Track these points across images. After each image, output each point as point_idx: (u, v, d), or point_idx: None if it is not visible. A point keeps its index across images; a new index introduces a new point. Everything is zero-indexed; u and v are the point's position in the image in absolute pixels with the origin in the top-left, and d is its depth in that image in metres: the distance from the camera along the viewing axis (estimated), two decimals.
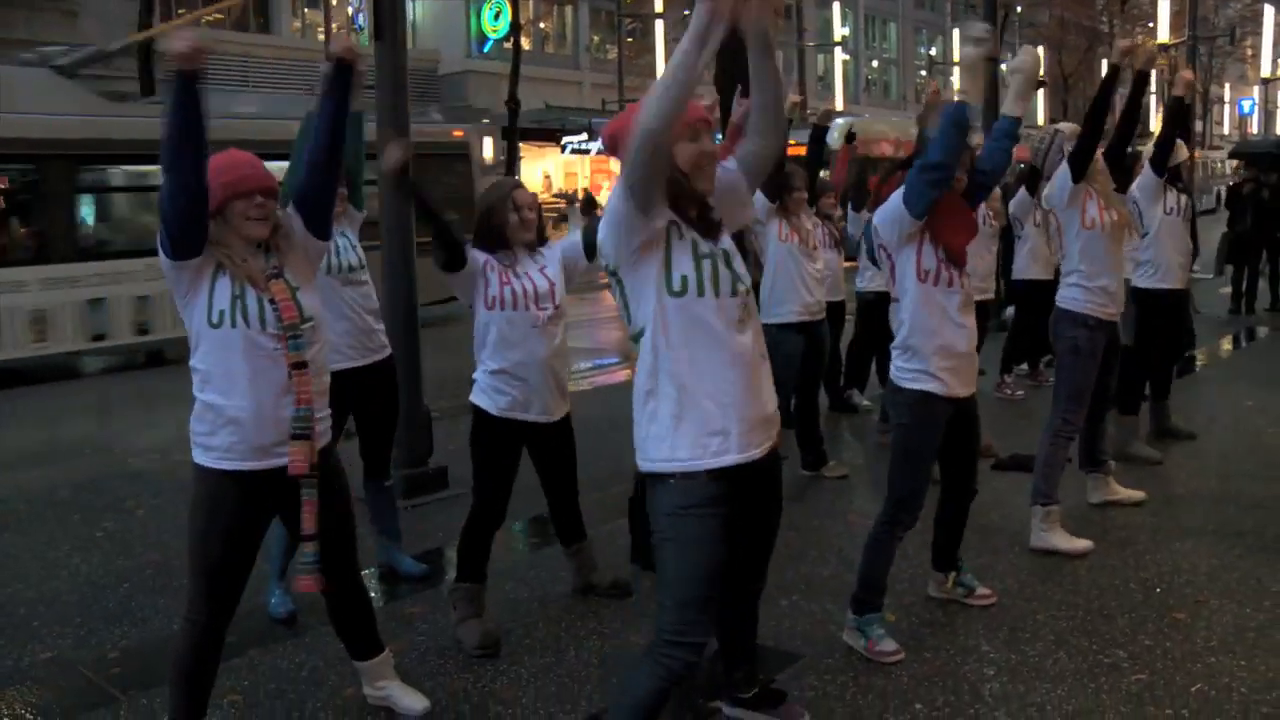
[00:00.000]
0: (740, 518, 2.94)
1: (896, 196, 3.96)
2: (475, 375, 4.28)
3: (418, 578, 5.04)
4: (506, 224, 4.17)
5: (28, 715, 3.84)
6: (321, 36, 24.14)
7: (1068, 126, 5.45)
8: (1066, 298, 5.26)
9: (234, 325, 3.13)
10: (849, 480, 6.52)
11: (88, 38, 23.15)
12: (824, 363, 6.83)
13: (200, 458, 3.23)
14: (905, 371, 4.03)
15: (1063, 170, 5.17)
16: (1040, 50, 45.12)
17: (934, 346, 3.98)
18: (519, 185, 4.30)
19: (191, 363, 3.22)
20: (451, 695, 3.84)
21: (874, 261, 4.58)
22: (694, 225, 2.84)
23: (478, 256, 4.16)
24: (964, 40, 4.01)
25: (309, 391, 3.20)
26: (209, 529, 3.24)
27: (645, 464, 2.86)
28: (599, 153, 29.02)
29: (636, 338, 2.84)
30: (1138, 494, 5.74)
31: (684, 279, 2.78)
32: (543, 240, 4.38)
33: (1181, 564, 4.86)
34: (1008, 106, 4.14)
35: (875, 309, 7.64)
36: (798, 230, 6.23)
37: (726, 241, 2.92)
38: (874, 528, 4.11)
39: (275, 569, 4.60)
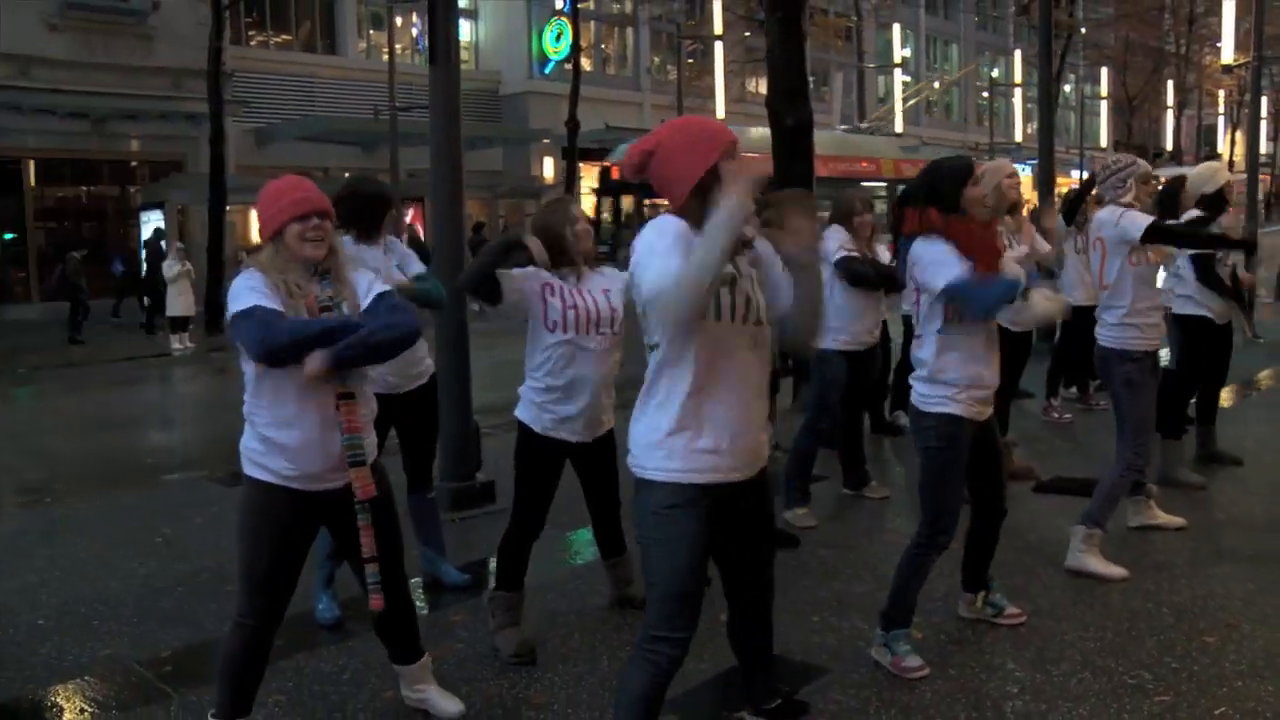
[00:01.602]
0: (732, 531, 3.06)
1: (943, 252, 3.98)
2: (522, 389, 4.39)
3: (461, 587, 5.18)
4: (565, 238, 4.24)
5: (86, 709, 4.04)
6: (386, 57, 24.57)
7: (1143, 166, 5.32)
8: (1111, 336, 5.23)
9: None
10: (889, 500, 6.57)
11: (162, 60, 23.92)
12: (871, 386, 6.89)
13: (252, 471, 3.40)
14: (930, 397, 4.09)
15: (1135, 222, 5.13)
16: (1105, 71, 44.70)
17: (960, 378, 4.06)
18: (572, 200, 4.45)
19: (245, 395, 3.39)
20: (486, 700, 3.97)
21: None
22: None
23: (534, 280, 4.20)
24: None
25: (357, 421, 3.34)
26: (258, 537, 3.40)
27: (638, 469, 2.98)
28: None
29: (653, 347, 2.95)
30: (1178, 520, 5.73)
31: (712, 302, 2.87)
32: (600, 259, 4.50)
33: (1216, 589, 4.85)
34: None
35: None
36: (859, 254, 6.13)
37: (749, 268, 3.03)
38: (909, 549, 4.16)
39: (322, 576, 4.77)
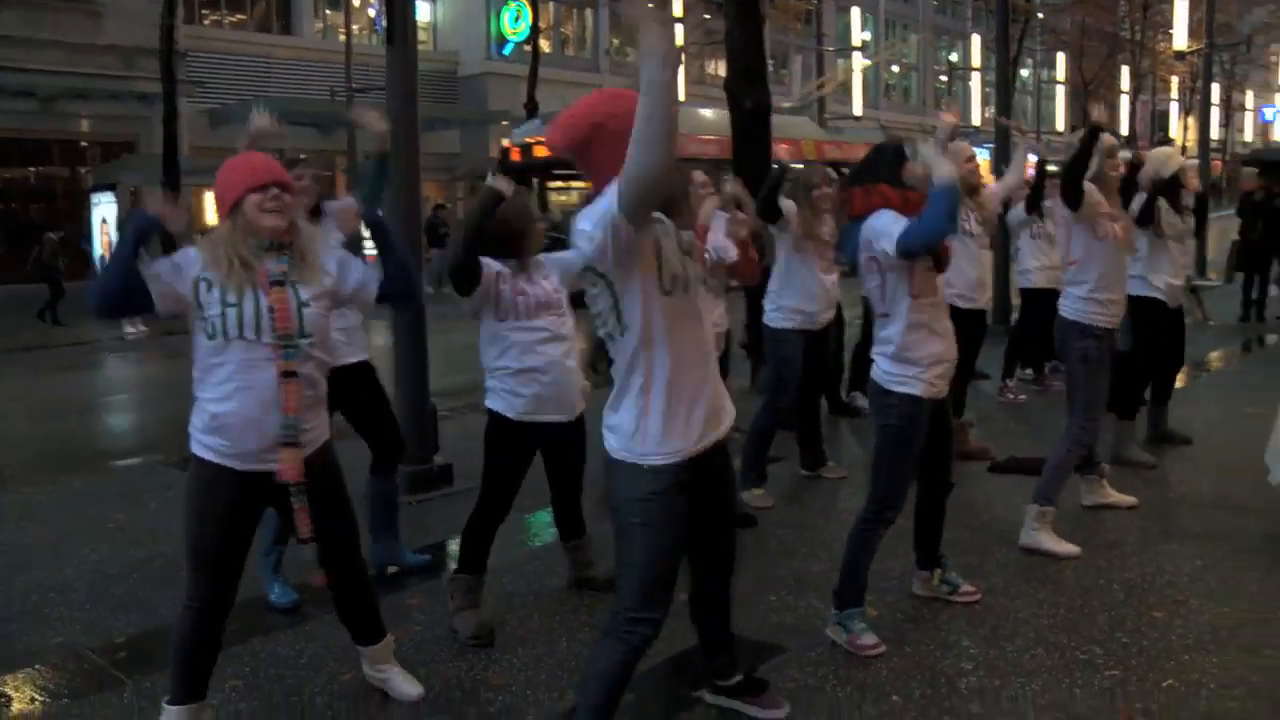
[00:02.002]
0: (700, 504, 3.07)
1: (894, 219, 3.98)
2: (488, 383, 4.39)
3: (419, 570, 5.16)
4: (526, 235, 4.28)
5: (37, 697, 3.99)
6: (342, 38, 24.31)
7: (1105, 140, 5.37)
8: (1074, 309, 5.31)
9: (226, 336, 3.24)
10: (846, 481, 6.61)
11: (111, 38, 23.50)
12: (828, 366, 6.93)
13: (197, 449, 3.37)
14: (895, 376, 4.11)
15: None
16: (1061, 56, 45.08)
17: (929, 353, 4.09)
18: (527, 193, 4.43)
19: (194, 369, 3.37)
20: (445, 682, 3.96)
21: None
22: (674, 220, 2.97)
23: (489, 268, 4.24)
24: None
25: (296, 401, 3.30)
26: (203, 516, 3.38)
27: (626, 455, 2.95)
28: None
29: (617, 334, 2.92)
30: (1129, 499, 5.82)
31: (675, 278, 2.89)
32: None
33: (1165, 565, 4.94)
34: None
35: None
36: (814, 239, 6.10)
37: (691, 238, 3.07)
38: (857, 525, 4.21)
39: (270, 564, 4.74)
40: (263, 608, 4.67)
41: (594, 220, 2.77)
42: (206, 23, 28.07)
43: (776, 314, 6.20)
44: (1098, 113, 5.56)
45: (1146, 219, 6.31)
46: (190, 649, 3.42)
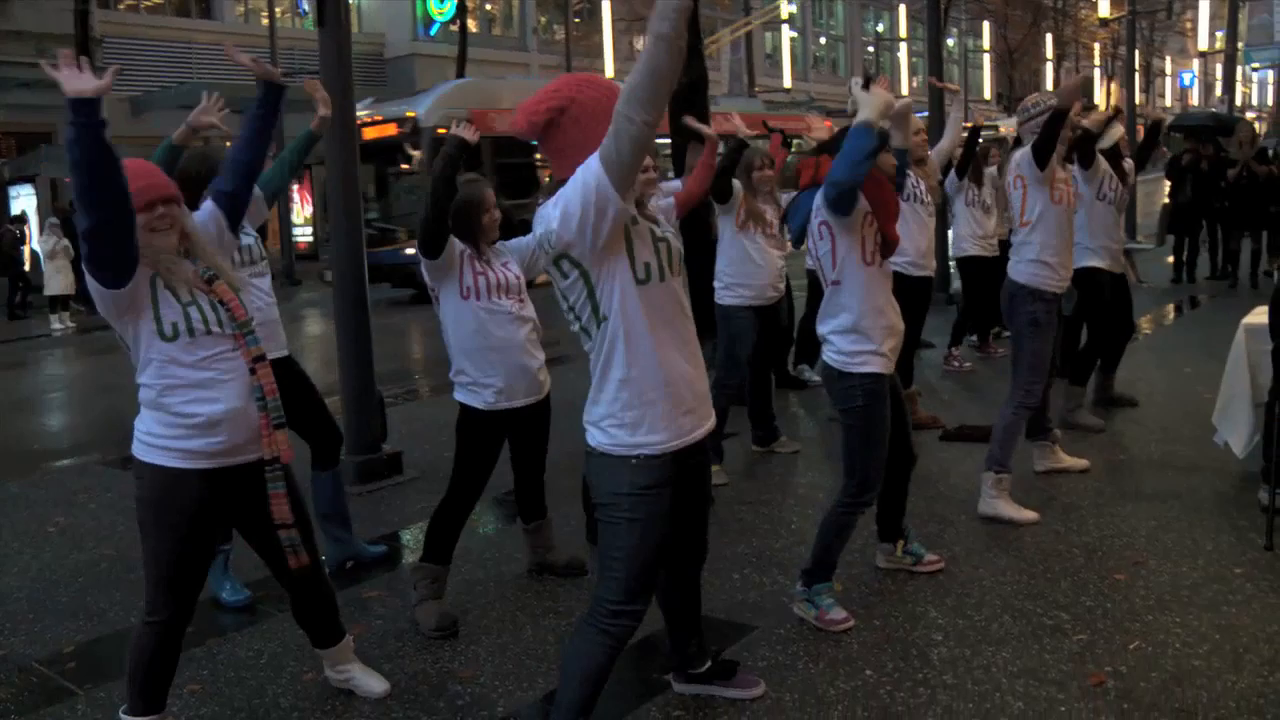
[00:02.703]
0: (680, 495, 2.99)
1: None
2: (454, 376, 4.35)
3: (376, 561, 5.06)
4: (481, 223, 4.25)
5: None
6: (265, 21, 23.78)
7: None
8: (1025, 272, 5.31)
9: (191, 334, 3.15)
10: (800, 455, 6.61)
11: (20, 23, 22.75)
12: (778, 341, 6.90)
13: (153, 457, 3.22)
14: (853, 355, 4.05)
15: (1027, 157, 5.27)
16: (986, 25, 45.55)
17: (882, 326, 4.06)
18: (488, 183, 4.38)
19: (142, 379, 3.21)
20: (411, 677, 3.88)
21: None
22: (640, 209, 2.87)
23: (455, 243, 4.23)
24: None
25: (273, 382, 3.25)
26: (170, 527, 3.23)
27: (611, 449, 2.85)
28: None
29: (593, 326, 2.82)
30: (1081, 461, 5.88)
31: (647, 266, 2.79)
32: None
33: (1122, 527, 4.99)
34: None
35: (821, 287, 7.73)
36: (755, 216, 6.06)
37: (666, 224, 2.98)
38: (834, 510, 4.13)
39: (219, 563, 4.58)
40: (215, 607, 4.55)
41: (572, 200, 2.67)
42: (122, 7, 27.29)
43: (726, 292, 6.15)
44: (1073, 83, 5.59)
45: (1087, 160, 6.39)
46: (150, 664, 3.30)
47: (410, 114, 17.71)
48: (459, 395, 4.37)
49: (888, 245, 4.06)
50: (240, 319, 3.22)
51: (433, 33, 32.17)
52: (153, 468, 3.22)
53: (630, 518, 2.86)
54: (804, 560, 4.19)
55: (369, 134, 16.70)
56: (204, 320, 3.17)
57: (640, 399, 2.82)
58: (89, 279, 3.09)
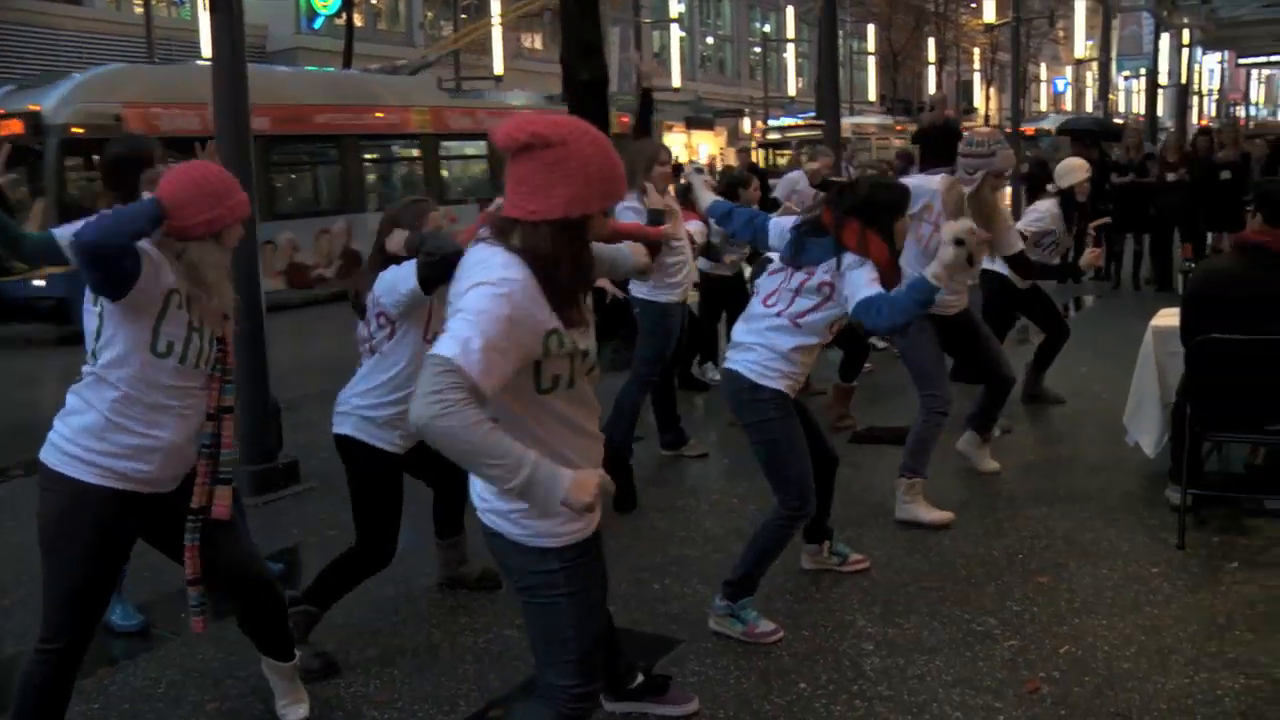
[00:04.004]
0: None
1: (866, 279, 3.76)
2: (356, 410, 3.94)
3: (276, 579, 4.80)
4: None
5: None
6: (139, 9, 22.89)
7: (999, 163, 5.25)
8: None
9: (182, 360, 3.03)
10: (709, 459, 6.52)
11: None
12: (683, 341, 6.81)
13: (76, 471, 3.00)
14: (769, 373, 3.94)
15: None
16: (871, 28, 46.37)
17: (802, 366, 4.00)
18: (432, 207, 4.02)
19: (106, 373, 3.01)
20: (324, 704, 3.66)
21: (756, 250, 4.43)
22: (573, 324, 2.39)
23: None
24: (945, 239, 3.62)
25: (231, 436, 3.18)
26: (74, 545, 3.02)
27: (526, 541, 2.48)
28: None
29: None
30: (993, 464, 5.90)
31: (556, 378, 2.41)
32: None
33: (1039, 529, 5.01)
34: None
35: (718, 289, 7.81)
36: (671, 213, 5.82)
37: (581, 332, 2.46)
38: (773, 524, 4.01)
39: None
40: (105, 633, 4.23)
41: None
42: None
43: (658, 290, 5.98)
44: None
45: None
46: (44, 698, 3.05)
47: (34, 107, 13.10)
48: (360, 434, 3.91)
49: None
50: (230, 365, 3.15)
51: (317, 26, 31.37)
52: (65, 478, 3.00)
53: (567, 593, 2.50)
54: (730, 572, 4.07)
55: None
56: (199, 353, 3.06)
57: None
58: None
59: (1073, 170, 7.24)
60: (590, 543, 2.56)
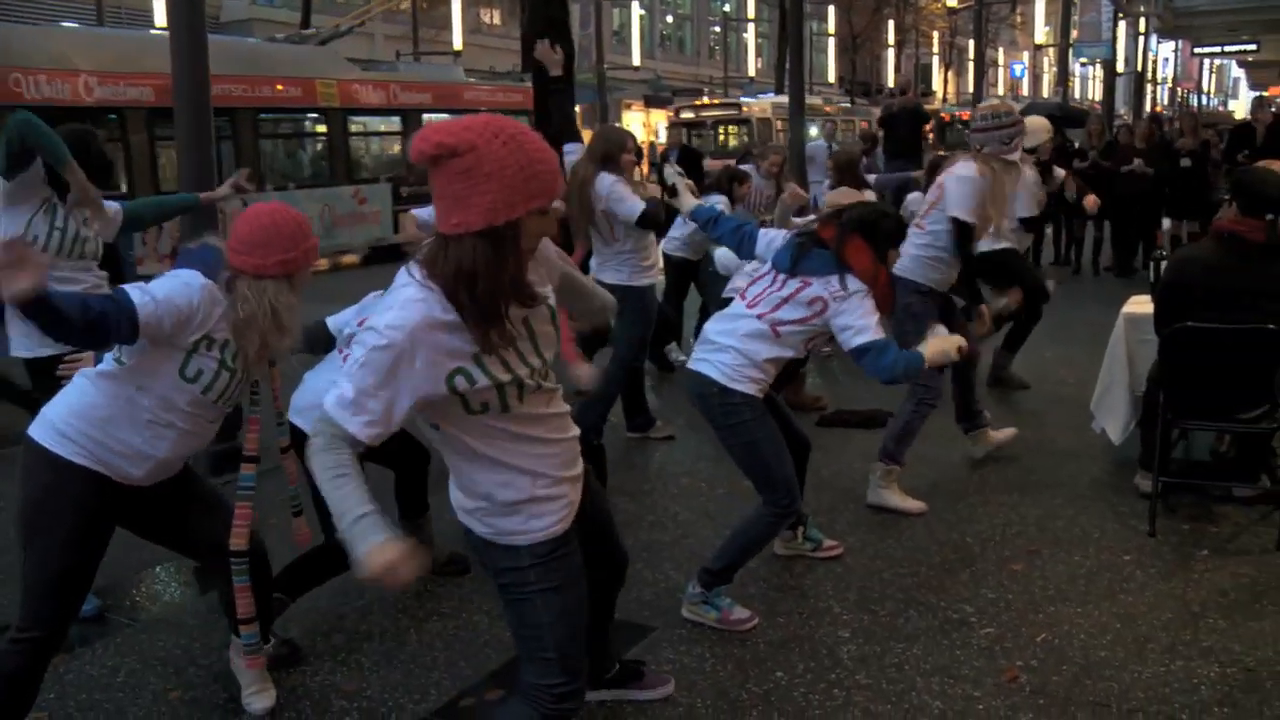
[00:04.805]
0: (585, 533, 2.71)
1: (863, 314, 3.77)
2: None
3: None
4: None
5: None
6: None
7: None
8: (905, 267, 5.21)
9: (205, 392, 2.97)
10: (676, 442, 6.45)
11: None
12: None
13: (66, 450, 2.94)
14: (740, 375, 3.85)
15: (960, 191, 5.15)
16: (831, 9, 46.37)
17: (771, 374, 3.94)
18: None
19: (130, 376, 2.95)
20: (289, 693, 3.55)
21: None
22: (495, 349, 2.28)
23: None
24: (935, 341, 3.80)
25: (296, 473, 3.29)
26: (67, 529, 2.94)
27: (497, 539, 2.45)
28: None
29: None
30: (1010, 430, 5.96)
31: (485, 404, 2.33)
32: None
33: (1012, 516, 4.99)
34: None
35: (683, 270, 7.91)
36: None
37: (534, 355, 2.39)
38: (760, 520, 3.94)
39: None
40: None
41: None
42: None
43: (637, 275, 5.89)
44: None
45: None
46: (13, 688, 2.96)
47: None
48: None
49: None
50: (278, 409, 3.32)
51: None
52: (50, 455, 2.93)
53: (540, 590, 2.45)
54: (710, 561, 4.00)
55: None
56: (225, 389, 3.01)
57: (521, 500, 2.43)
58: None
59: (1035, 131, 7.25)
60: (565, 538, 2.50)
